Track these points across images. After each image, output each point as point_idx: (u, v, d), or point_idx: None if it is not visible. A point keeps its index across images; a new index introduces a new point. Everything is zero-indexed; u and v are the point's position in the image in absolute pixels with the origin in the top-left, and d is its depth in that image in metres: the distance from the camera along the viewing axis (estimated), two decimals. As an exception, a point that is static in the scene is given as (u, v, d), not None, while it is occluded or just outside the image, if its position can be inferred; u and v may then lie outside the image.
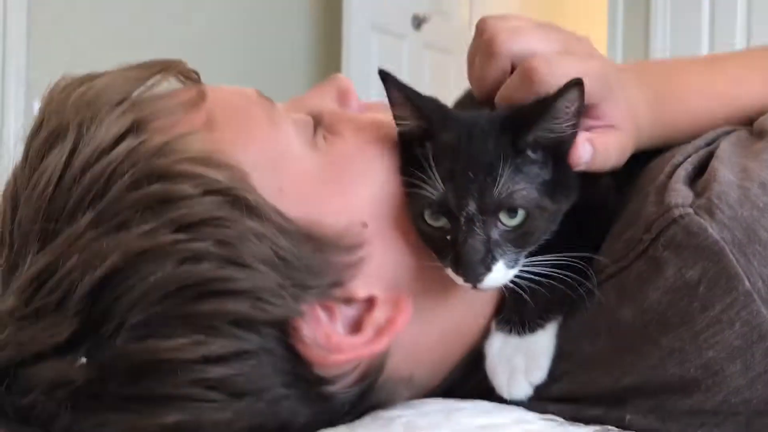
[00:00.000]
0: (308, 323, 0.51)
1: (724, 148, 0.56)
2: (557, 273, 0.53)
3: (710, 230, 0.50)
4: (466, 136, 0.53)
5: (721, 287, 0.49)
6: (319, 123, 0.59)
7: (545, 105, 0.52)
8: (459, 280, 0.52)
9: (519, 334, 0.56)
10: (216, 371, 0.48)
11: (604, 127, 0.56)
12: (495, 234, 0.51)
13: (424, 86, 1.92)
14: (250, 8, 3.09)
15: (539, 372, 0.56)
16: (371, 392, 0.55)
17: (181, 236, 0.47)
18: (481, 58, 0.58)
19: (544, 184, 0.53)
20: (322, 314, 0.52)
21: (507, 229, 0.52)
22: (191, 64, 0.58)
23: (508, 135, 0.52)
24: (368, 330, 0.53)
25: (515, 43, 0.56)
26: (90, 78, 0.54)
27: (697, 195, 0.52)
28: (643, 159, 0.61)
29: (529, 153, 0.52)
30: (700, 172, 0.55)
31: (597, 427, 0.54)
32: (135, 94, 0.53)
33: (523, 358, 0.56)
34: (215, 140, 0.52)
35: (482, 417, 0.53)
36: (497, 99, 0.57)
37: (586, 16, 4.50)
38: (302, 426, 0.52)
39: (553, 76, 0.53)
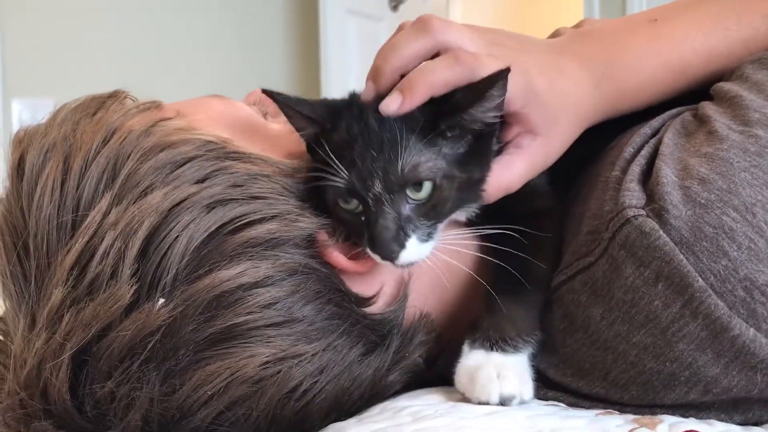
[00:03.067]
0: (332, 237, 0.56)
1: (668, 141, 0.57)
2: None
3: (661, 232, 0.51)
4: (363, 123, 0.54)
5: (677, 285, 0.51)
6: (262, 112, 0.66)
7: (477, 91, 0.53)
8: (377, 258, 0.54)
9: (503, 351, 0.55)
10: (274, 291, 0.52)
11: (526, 133, 0.58)
12: (405, 210, 0.53)
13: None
14: (225, -3, 3.06)
15: (528, 387, 0.55)
16: (403, 316, 0.58)
17: (201, 185, 0.53)
18: (409, 32, 0.58)
19: (456, 156, 0.54)
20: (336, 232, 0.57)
21: (417, 203, 0.53)
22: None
23: (425, 114, 0.53)
24: None
25: (448, 32, 0.57)
26: (50, 117, 0.58)
27: (648, 196, 0.54)
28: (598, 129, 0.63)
29: (447, 132, 0.54)
30: (652, 165, 0.56)
31: (599, 410, 0.56)
32: (98, 114, 0.57)
33: (514, 373, 0.55)
34: (191, 121, 0.57)
35: (487, 404, 0.54)
36: (411, 76, 0.55)
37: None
38: (363, 364, 0.56)
39: (480, 64, 0.55)
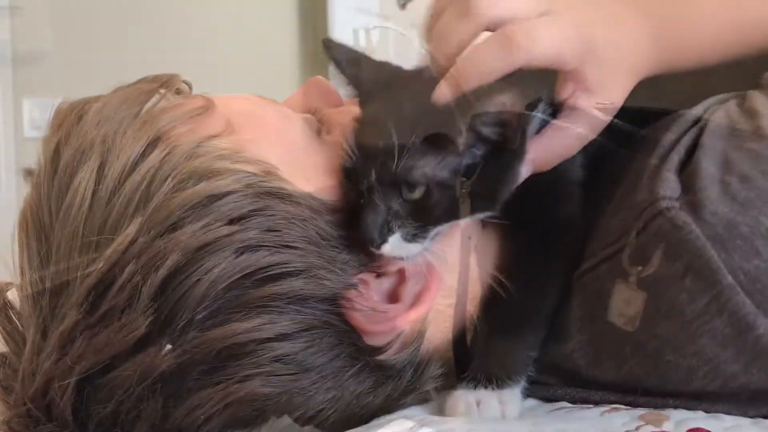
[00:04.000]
0: (355, 295, 0.53)
1: (710, 132, 0.56)
2: None
3: (693, 226, 0.51)
4: (389, 107, 0.52)
5: (705, 280, 0.51)
6: (319, 119, 0.61)
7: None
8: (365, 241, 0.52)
9: (488, 389, 0.55)
10: (288, 347, 0.50)
11: (582, 91, 0.54)
12: (395, 205, 0.51)
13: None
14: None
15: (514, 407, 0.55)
16: (417, 355, 0.57)
17: (234, 228, 0.49)
18: (452, 16, 0.51)
19: (461, 165, 0.51)
20: (362, 287, 0.54)
21: (408, 201, 0.51)
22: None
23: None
24: (406, 299, 0.56)
25: (495, 5, 0.51)
26: (93, 100, 0.55)
27: (684, 189, 0.53)
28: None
29: (457, 138, 0.50)
30: (691, 155, 0.55)
31: (606, 407, 0.56)
32: (145, 109, 0.53)
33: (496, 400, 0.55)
34: (239, 141, 0.53)
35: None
36: (461, 64, 0.50)
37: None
38: (372, 395, 0.55)
39: (534, 44, 0.50)
